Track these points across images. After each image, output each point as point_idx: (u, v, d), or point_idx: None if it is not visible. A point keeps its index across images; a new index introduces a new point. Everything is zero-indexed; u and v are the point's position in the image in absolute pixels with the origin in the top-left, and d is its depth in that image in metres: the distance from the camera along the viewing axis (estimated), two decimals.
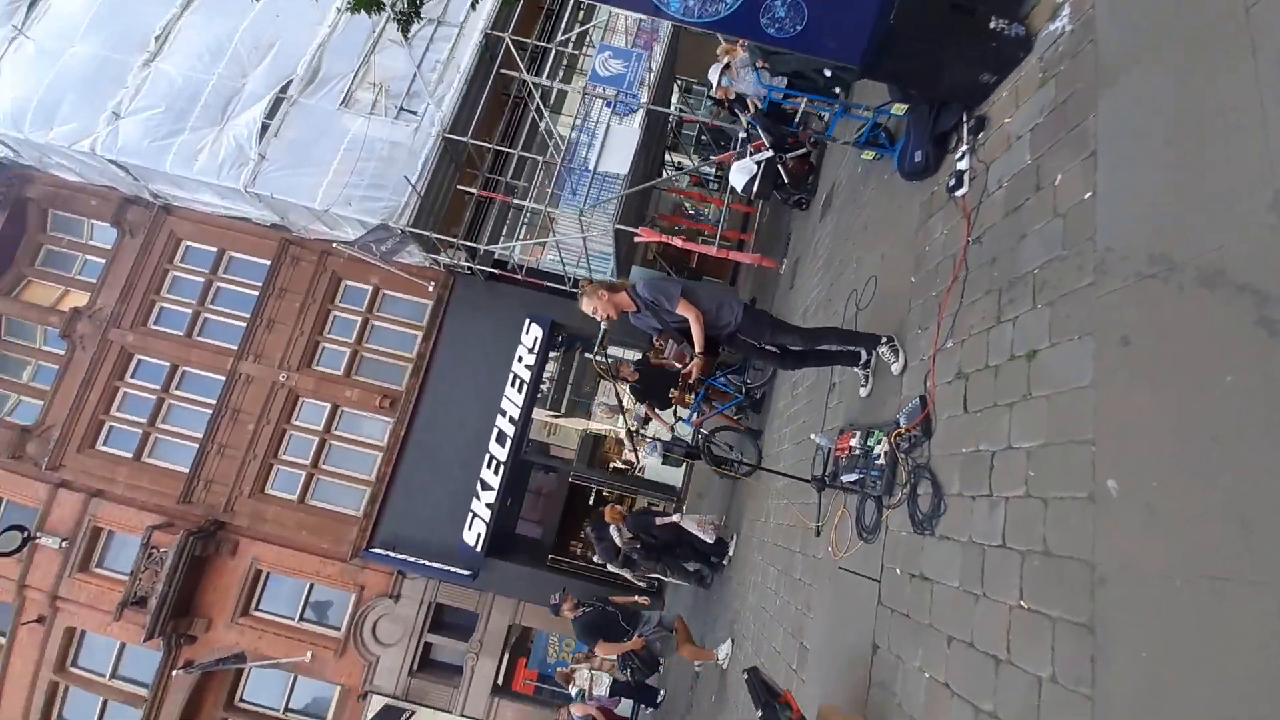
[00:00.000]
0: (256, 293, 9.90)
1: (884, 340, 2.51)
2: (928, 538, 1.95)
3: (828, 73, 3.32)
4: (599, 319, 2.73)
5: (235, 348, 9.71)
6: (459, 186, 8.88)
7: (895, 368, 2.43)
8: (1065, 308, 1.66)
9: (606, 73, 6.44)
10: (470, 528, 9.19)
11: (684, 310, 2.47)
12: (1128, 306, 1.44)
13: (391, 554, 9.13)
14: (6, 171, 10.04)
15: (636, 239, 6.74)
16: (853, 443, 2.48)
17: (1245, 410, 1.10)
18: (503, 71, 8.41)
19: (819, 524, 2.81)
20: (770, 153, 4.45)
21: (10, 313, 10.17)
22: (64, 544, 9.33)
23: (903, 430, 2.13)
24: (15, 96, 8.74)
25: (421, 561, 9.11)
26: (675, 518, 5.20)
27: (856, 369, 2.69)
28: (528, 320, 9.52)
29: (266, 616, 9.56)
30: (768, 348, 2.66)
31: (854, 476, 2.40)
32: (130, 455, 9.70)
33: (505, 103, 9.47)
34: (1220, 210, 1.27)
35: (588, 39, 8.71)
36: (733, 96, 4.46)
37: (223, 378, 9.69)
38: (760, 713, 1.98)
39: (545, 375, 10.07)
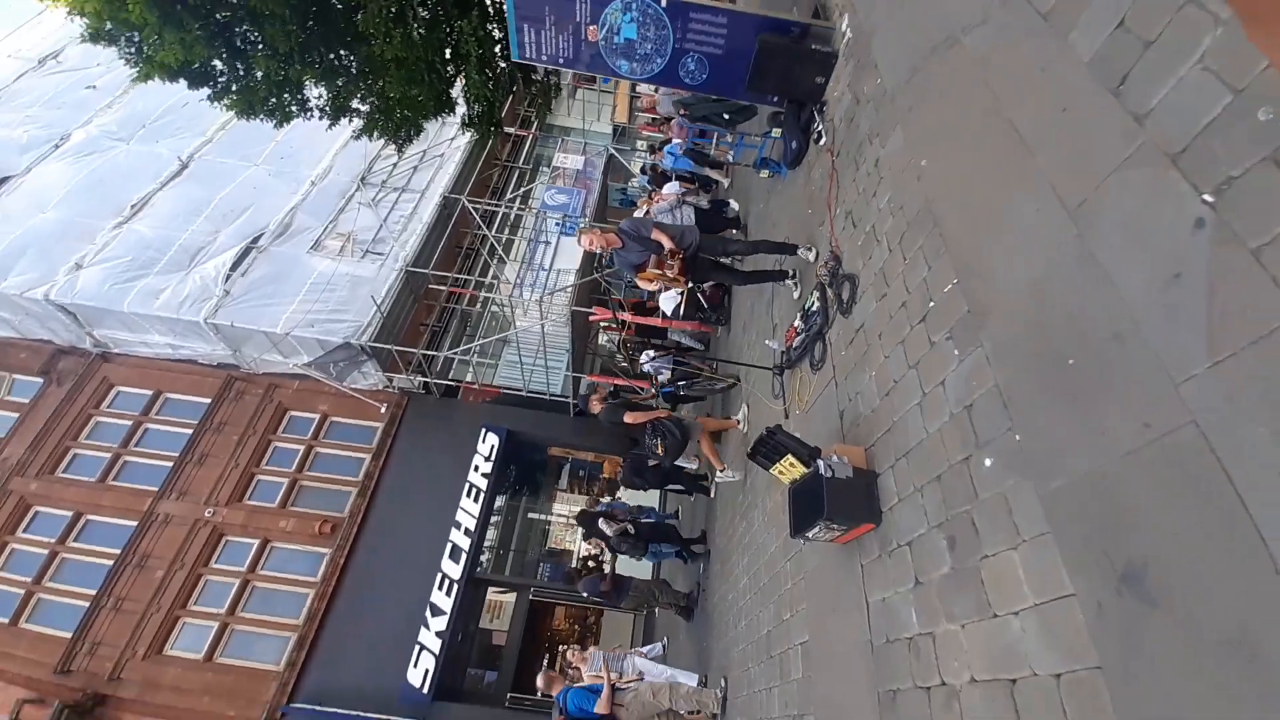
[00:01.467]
0: (190, 431, 9.60)
1: (801, 246, 3.53)
2: (854, 316, 2.76)
3: (726, 115, 4.84)
4: (596, 250, 3.54)
5: (156, 489, 9.07)
6: (402, 348, 9.79)
7: (811, 256, 3.41)
8: (885, 127, 2.82)
9: (554, 203, 8.10)
10: (416, 664, 8.22)
11: (658, 234, 3.37)
12: (914, 104, 2.62)
13: (318, 709, 7.84)
14: None
15: (592, 318, 7.79)
16: (795, 324, 3.34)
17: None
18: (461, 228, 10.05)
19: (785, 405, 3.46)
20: (689, 285, 5.81)
21: None
22: None
23: (823, 268, 3.08)
24: None
25: (356, 714, 7.85)
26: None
27: (787, 282, 3.66)
28: (484, 430, 9.82)
29: None
30: (723, 262, 3.58)
31: (800, 340, 3.21)
32: (5, 620, 8.17)
33: (461, 249, 10.99)
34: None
35: (532, 195, 10.71)
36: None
37: (134, 523, 8.84)
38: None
39: (485, 544, 9.72)
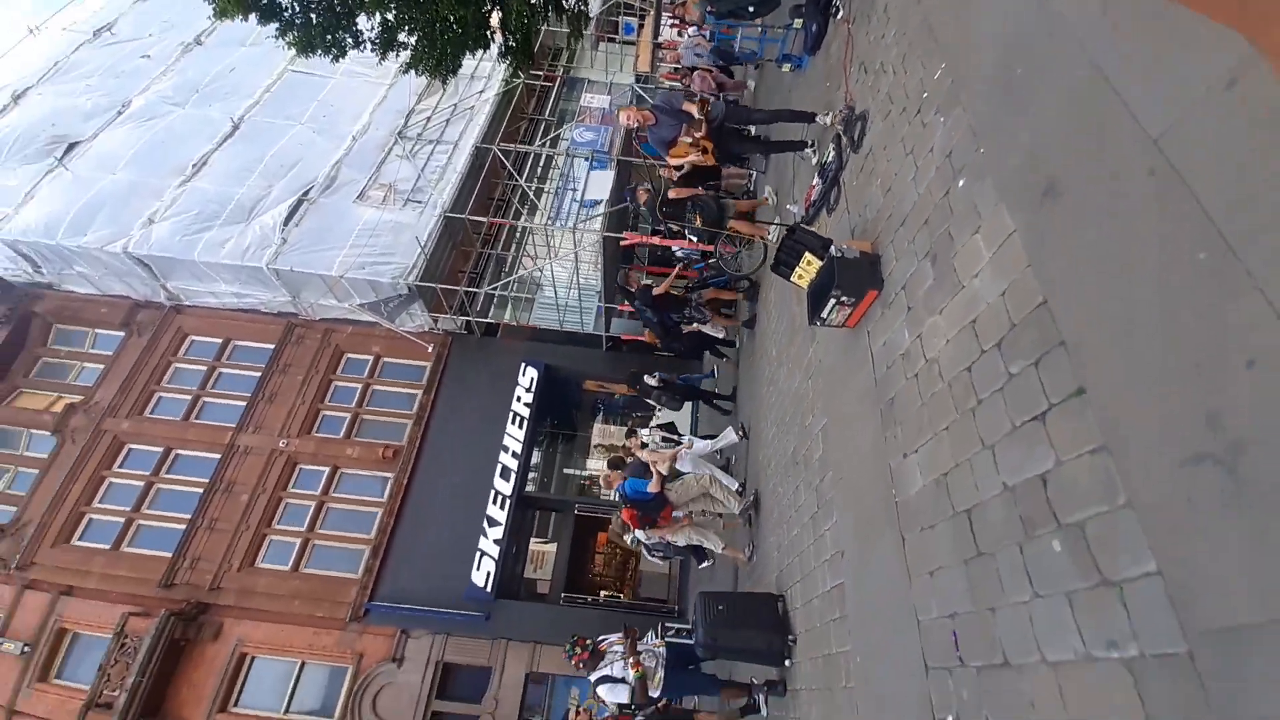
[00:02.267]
0: (259, 373, 10.49)
1: (819, 113, 3.93)
2: (864, 147, 3.19)
3: (751, 8, 5.22)
4: (633, 124, 3.96)
5: (234, 425, 10.01)
6: (446, 285, 10.44)
7: (828, 119, 3.82)
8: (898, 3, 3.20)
9: (582, 140, 8.53)
10: (479, 567, 9.07)
11: (687, 105, 3.80)
12: None
13: (396, 606, 8.77)
14: (15, 291, 10.81)
15: (623, 243, 8.28)
16: (813, 182, 3.77)
17: None
18: (492, 179, 10.57)
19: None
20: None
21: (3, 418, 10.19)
22: (25, 650, 8.42)
23: (838, 118, 3.50)
24: (49, 212, 9.93)
25: (429, 609, 8.76)
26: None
27: (806, 152, 4.08)
28: (524, 364, 10.49)
29: (248, 713, 8.56)
30: (748, 132, 4.01)
31: (818, 192, 3.65)
32: (108, 546, 9.27)
33: (493, 200, 11.53)
34: None
35: (560, 139, 11.10)
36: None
37: (218, 455, 9.81)
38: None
39: (530, 468, 10.38)
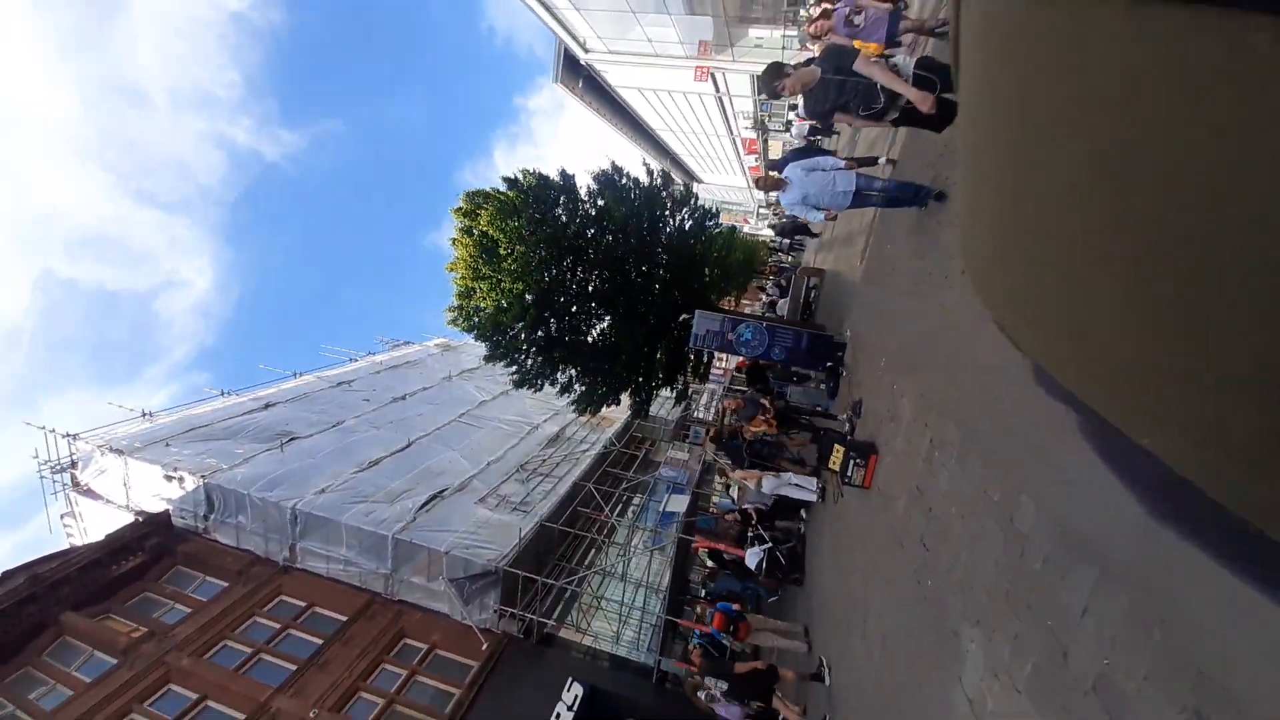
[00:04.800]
0: (321, 641, 10.99)
1: (839, 414, 6.41)
2: (862, 418, 5.54)
3: (795, 376, 8.19)
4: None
5: (276, 686, 10.02)
6: (530, 573, 12.04)
7: (843, 417, 6.25)
8: (866, 364, 6.19)
9: (668, 473, 11.36)
10: None
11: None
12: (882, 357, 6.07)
13: None
14: (170, 531, 12.96)
15: (694, 547, 9.74)
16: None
17: None
18: (580, 510, 13.29)
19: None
20: (770, 544, 8.69)
21: (78, 631, 10.76)
22: None
23: (848, 411, 5.99)
24: (254, 473, 12.98)
25: None
26: None
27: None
28: (570, 679, 10.47)
29: None
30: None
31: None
32: None
33: (572, 532, 13.77)
34: None
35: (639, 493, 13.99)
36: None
37: (244, 715, 9.55)
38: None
39: None
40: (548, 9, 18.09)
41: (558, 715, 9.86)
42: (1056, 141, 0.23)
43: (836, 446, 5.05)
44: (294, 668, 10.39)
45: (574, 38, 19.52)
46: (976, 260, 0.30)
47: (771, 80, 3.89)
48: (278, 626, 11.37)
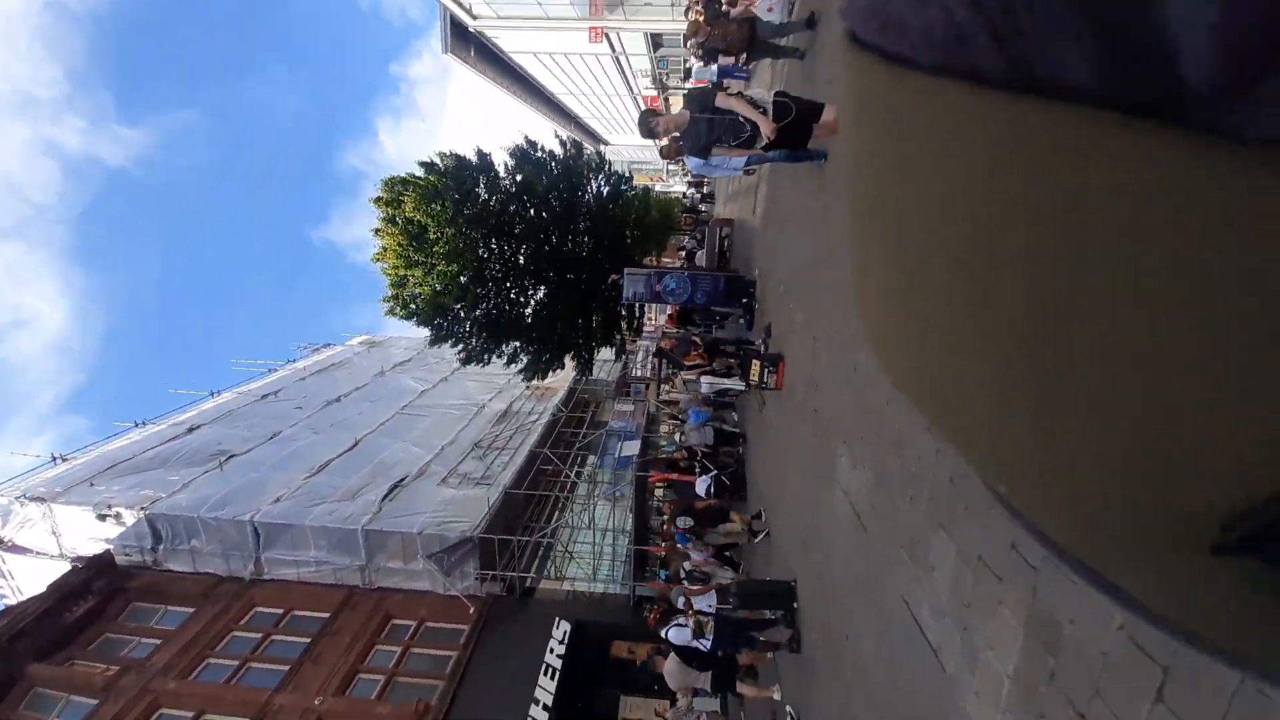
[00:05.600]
0: (308, 640, 11.29)
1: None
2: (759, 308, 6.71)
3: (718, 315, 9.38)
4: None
5: (272, 689, 10.32)
6: (504, 535, 12.79)
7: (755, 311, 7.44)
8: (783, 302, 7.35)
9: (618, 423, 12.35)
10: None
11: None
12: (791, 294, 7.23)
13: None
14: (115, 571, 12.52)
15: (650, 479, 10.87)
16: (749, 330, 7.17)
17: None
18: (542, 470, 14.08)
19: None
20: (715, 471, 9.94)
21: (48, 680, 10.45)
22: None
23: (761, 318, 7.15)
24: (198, 496, 12.68)
25: None
26: None
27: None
28: (557, 619, 11.46)
29: None
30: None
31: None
32: None
33: (535, 495, 14.56)
34: None
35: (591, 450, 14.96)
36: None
37: (248, 718, 9.84)
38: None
39: None
40: None
41: (551, 650, 10.86)
42: (906, 211, 0.25)
43: (754, 362, 6.15)
44: (286, 668, 10.68)
45: (460, 4, 19.04)
46: (864, 309, 0.33)
47: (648, 123, 4.56)
48: (259, 636, 11.51)
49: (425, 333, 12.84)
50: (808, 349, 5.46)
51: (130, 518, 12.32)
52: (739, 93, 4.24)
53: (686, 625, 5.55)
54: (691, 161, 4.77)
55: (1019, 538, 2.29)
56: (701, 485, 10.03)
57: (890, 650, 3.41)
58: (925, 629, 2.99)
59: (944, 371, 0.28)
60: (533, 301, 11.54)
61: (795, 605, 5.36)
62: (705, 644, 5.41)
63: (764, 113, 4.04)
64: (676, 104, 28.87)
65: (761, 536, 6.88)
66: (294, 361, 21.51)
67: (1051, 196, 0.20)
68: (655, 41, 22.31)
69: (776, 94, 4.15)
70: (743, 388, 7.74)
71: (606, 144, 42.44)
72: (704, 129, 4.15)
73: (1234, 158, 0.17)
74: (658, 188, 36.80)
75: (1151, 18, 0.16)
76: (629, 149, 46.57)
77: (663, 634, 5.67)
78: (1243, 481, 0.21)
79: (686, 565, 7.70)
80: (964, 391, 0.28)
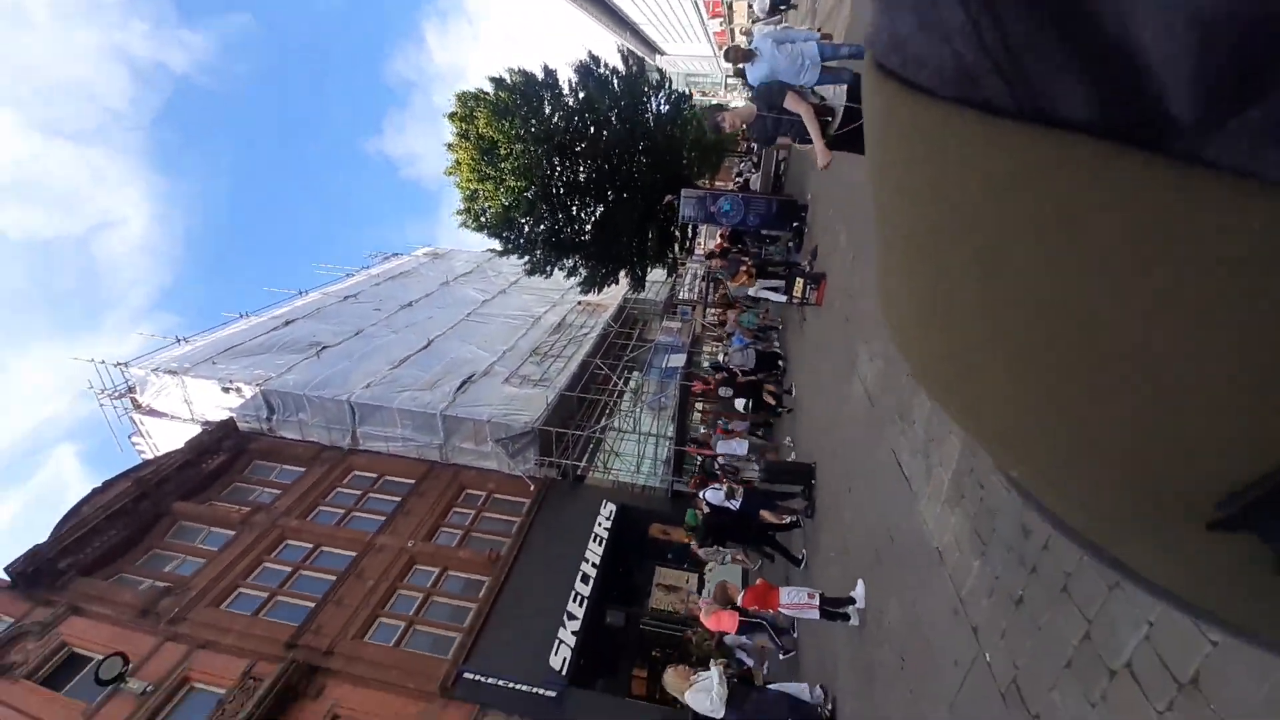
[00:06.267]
0: (399, 500, 13.48)
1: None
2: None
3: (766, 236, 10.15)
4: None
5: (373, 531, 12.58)
6: (560, 429, 14.44)
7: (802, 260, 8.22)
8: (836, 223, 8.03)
9: (664, 339, 13.48)
10: (556, 653, 10.25)
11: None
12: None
13: (481, 678, 9.80)
14: (239, 434, 14.91)
15: (693, 389, 12.17)
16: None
17: None
18: (595, 371, 15.48)
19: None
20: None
21: (192, 515, 13.05)
22: (147, 690, 9.54)
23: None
24: (302, 379, 14.76)
25: (509, 685, 9.73)
26: None
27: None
28: (604, 501, 13.25)
29: None
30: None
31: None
32: (250, 614, 10.97)
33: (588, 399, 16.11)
34: None
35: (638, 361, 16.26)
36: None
37: (354, 553, 12.14)
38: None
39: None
40: None
41: (599, 524, 12.69)
42: (929, 230, 0.27)
43: (798, 279, 7.00)
44: (382, 519, 12.92)
45: None
46: (887, 308, 0.35)
47: (714, 117, 4.57)
48: (358, 494, 13.80)
49: (484, 247, 14.00)
50: (846, 264, 6.28)
51: (249, 391, 14.53)
52: (807, 99, 4.14)
53: (720, 488, 6.86)
54: (755, 72, 5.07)
55: None
56: (739, 403, 11.16)
57: (877, 488, 4.53)
58: (903, 466, 4.07)
59: (958, 367, 0.31)
60: (592, 218, 12.43)
61: (813, 482, 6.53)
62: (735, 504, 6.71)
63: (829, 121, 3.98)
64: (741, 9, 27.41)
65: (786, 412, 8.06)
66: (368, 268, 23.27)
67: (1054, 213, 0.22)
68: None
69: (850, 93, 4.04)
70: (784, 299, 8.63)
71: (663, 53, 40.77)
72: (770, 124, 4.22)
73: (1212, 185, 0.19)
74: (714, 102, 35.68)
75: (1136, 55, 0.19)
76: (685, 59, 44.54)
77: (700, 495, 7.01)
78: (1235, 460, 0.23)
79: (719, 460, 8.97)
80: (976, 386, 0.30)
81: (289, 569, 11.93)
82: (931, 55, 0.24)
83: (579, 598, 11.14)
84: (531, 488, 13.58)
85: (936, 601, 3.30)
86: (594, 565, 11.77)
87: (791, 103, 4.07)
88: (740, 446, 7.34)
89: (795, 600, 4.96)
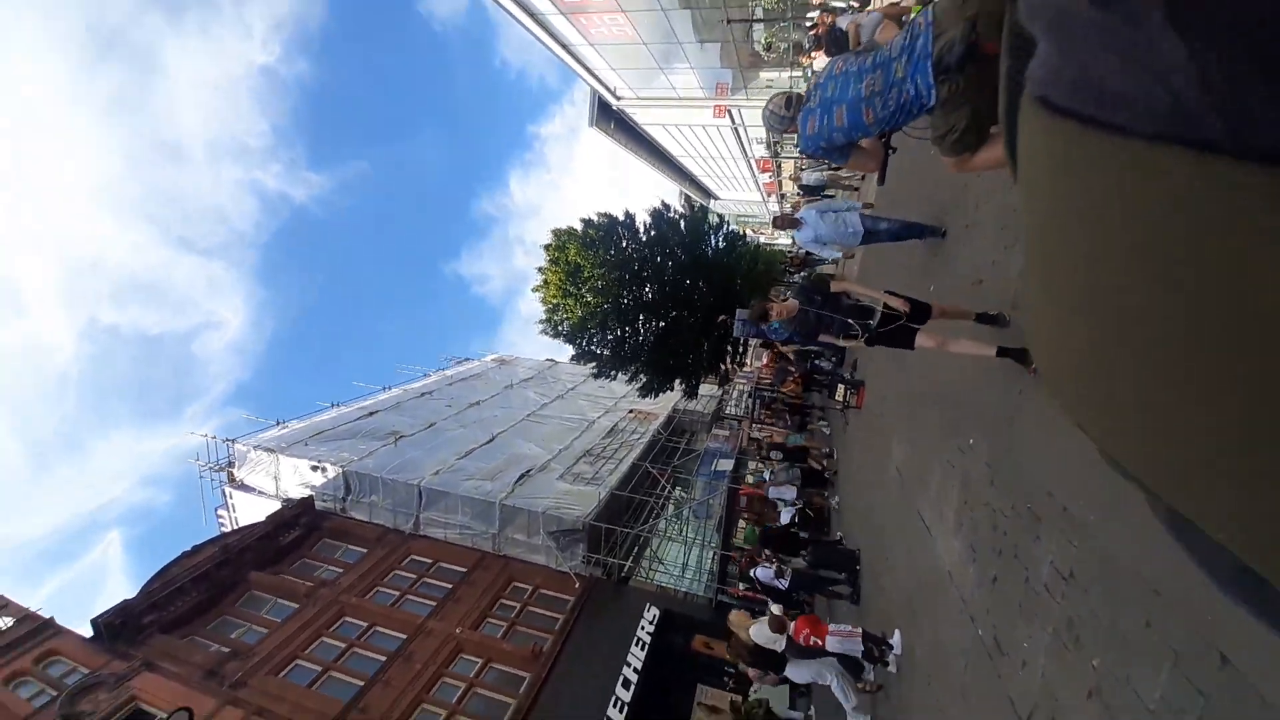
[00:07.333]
0: (450, 585, 14.01)
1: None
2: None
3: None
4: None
5: (423, 616, 13.03)
6: (609, 525, 14.99)
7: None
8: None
9: (714, 444, 14.28)
10: None
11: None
12: None
13: None
14: (314, 511, 16.14)
15: (741, 491, 12.60)
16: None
17: None
18: (645, 473, 16.23)
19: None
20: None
21: (264, 585, 13.93)
22: None
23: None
24: (380, 463, 16.17)
25: None
26: None
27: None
28: (648, 604, 13.32)
29: None
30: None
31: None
32: (304, 685, 11.35)
33: (634, 502, 16.69)
34: None
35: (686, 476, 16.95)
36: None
37: (405, 635, 12.56)
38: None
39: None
40: (585, 68, 21.57)
41: (641, 627, 12.70)
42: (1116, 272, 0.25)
43: (840, 386, 7.96)
44: (434, 604, 13.39)
45: (606, 87, 22.91)
46: (1050, 364, 0.34)
47: (758, 312, 4.83)
48: (414, 577, 14.42)
49: (544, 357, 15.80)
50: (883, 372, 7.26)
51: (333, 471, 16.00)
52: (849, 284, 4.35)
53: (770, 566, 7.32)
54: (802, 235, 6.65)
55: (965, 444, 4.09)
56: (785, 515, 11.65)
57: (905, 543, 5.11)
58: (923, 517, 4.73)
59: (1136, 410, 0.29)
60: (655, 333, 14.09)
61: (858, 568, 6.97)
62: (783, 584, 7.11)
63: (868, 324, 4.05)
64: (788, 166, 31.27)
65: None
66: (443, 369, 25.68)
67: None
68: None
69: (887, 293, 4.04)
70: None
71: (716, 198, 45.72)
72: (812, 319, 4.30)
73: None
74: (762, 238, 39.05)
75: None
76: (736, 203, 49.57)
77: (751, 573, 7.47)
78: None
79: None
80: (1156, 429, 0.28)
81: (344, 645, 12.39)
82: (1139, 94, 0.23)
83: (619, 703, 10.99)
84: (576, 585, 13.87)
85: (947, 611, 3.85)
86: (635, 670, 11.68)
87: (839, 285, 4.40)
88: (789, 492, 7.87)
89: (842, 630, 5.42)
